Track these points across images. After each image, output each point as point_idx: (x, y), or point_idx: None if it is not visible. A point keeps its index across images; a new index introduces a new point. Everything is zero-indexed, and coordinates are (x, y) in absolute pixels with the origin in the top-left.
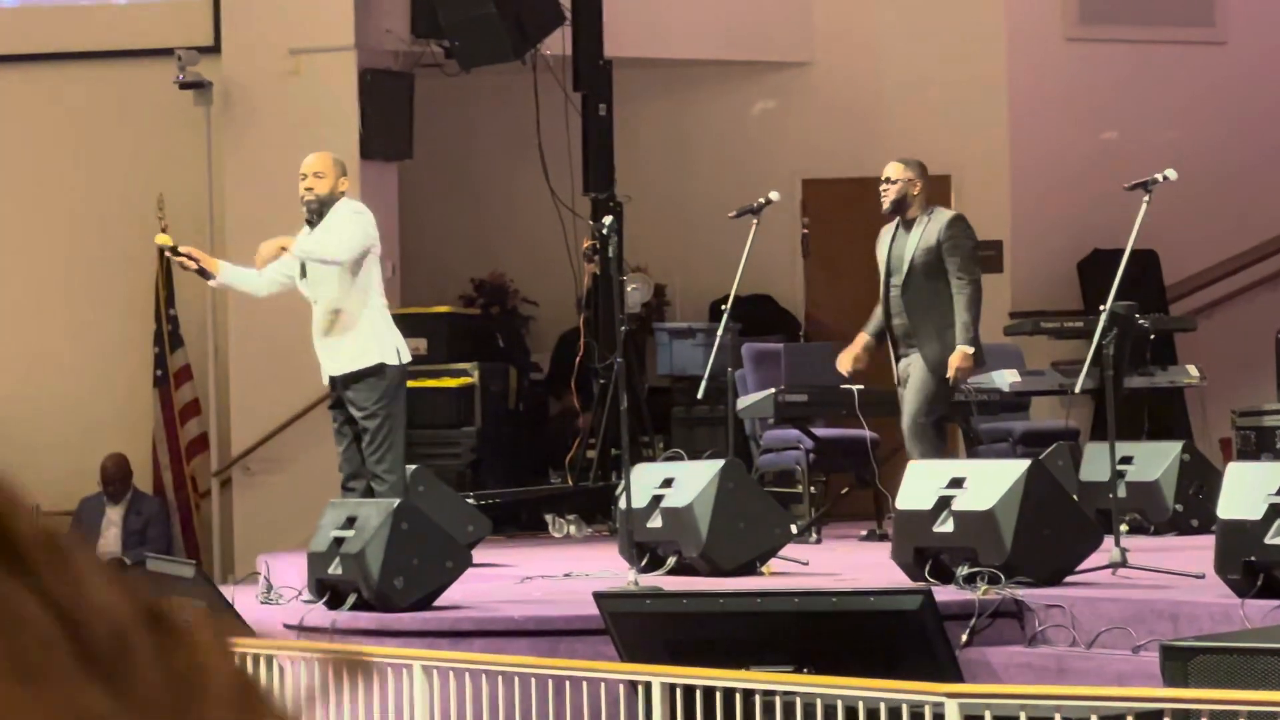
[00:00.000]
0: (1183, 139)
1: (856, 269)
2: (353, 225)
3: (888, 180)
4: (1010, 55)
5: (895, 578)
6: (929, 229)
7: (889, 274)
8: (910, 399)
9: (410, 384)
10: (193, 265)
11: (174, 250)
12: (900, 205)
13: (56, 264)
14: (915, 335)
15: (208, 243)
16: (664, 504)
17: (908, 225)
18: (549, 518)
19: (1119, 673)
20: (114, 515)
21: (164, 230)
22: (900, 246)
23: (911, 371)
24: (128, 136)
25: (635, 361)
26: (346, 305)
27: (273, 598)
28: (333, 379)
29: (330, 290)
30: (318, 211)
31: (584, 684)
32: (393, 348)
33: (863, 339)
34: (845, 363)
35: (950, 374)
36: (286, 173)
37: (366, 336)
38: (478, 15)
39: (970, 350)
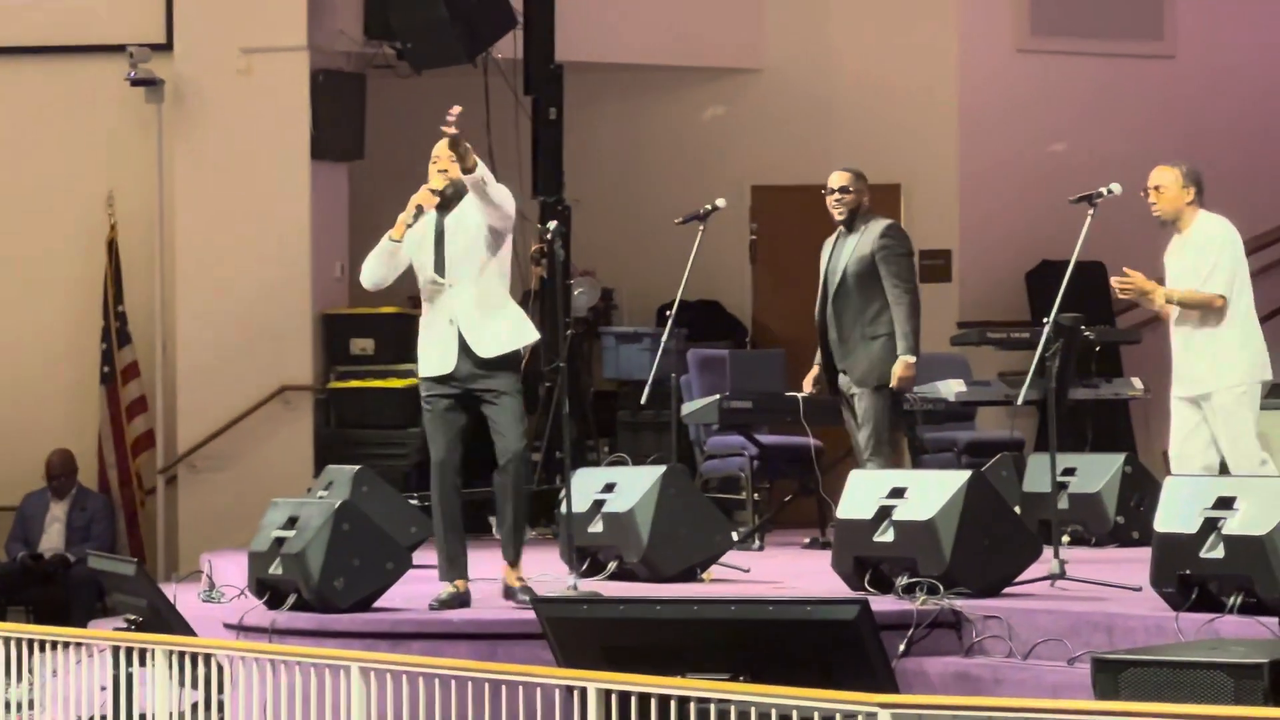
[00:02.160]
0: (1132, 151)
1: (804, 276)
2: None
3: (842, 190)
4: (961, 65)
5: (836, 586)
6: (864, 238)
7: (825, 284)
8: (860, 430)
9: (356, 384)
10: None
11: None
12: (854, 215)
13: (4, 260)
14: (845, 344)
15: (157, 240)
16: (605, 509)
17: (847, 235)
18: (492, 520)
19: (1054, 684)
20: (58, 511)
21: None
22: (837, 257)
23: (854, 395)
24: (78, 133)
25: (581, 365)
26: (494, 284)
27: (214, 596)
28: (460, 365)
29: (475, 269)
30: (453, 195)
31: (520, 688)
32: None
33: (814, 371)
34: (807, 384)
35: (893, 383)
36: (237, 171)
37: (517, 317)
38: (430, 18)
39: (912, 360)
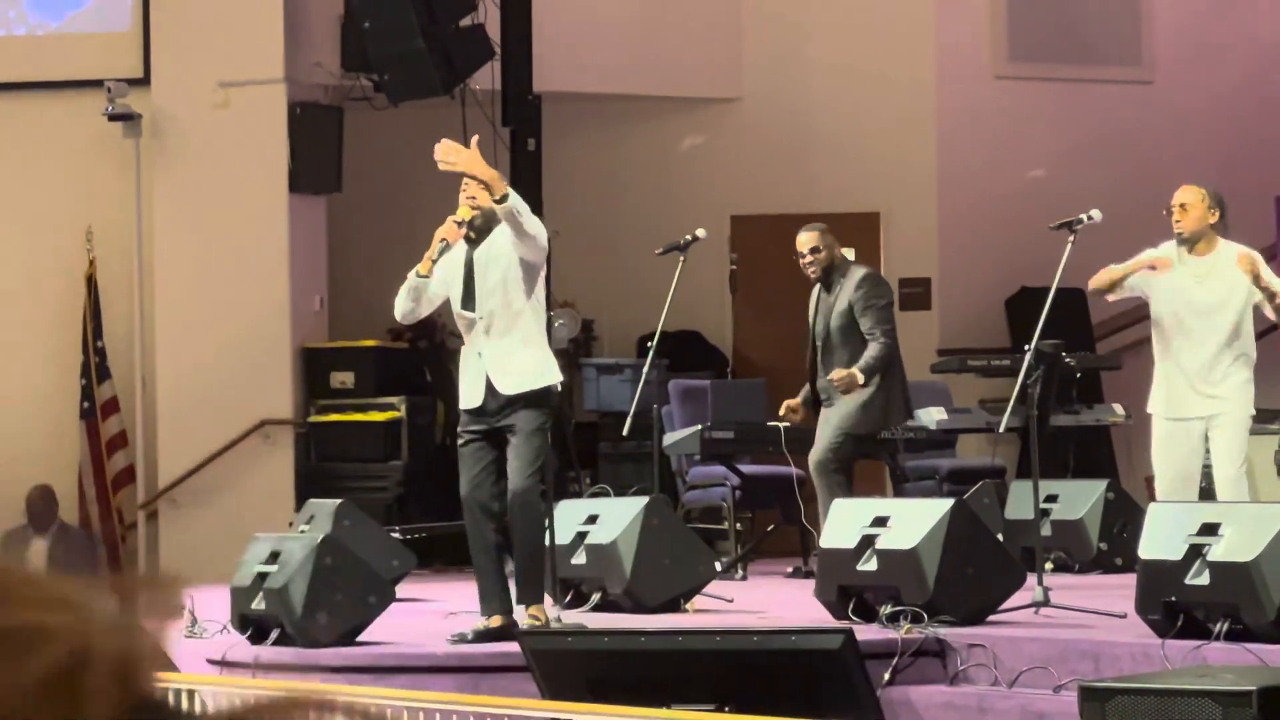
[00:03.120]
0: (1110, 177)
1: (784, 306)
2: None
3: (813, 251)
4: (939, 93)
5: (820, 616)
6: (842, 293)
7: (813, 336)
8: (820, 438)
9: (336, 418)
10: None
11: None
12: (829, 272)
13: None
14: (833, 396)
15: (136, 274)
16: (588, 540)
17: (828, 288)
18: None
19: (1040, 712)
20: (39, 547)
21: None
22: (821, 314)
23: (828, 415)
24: (56, 168)
25: (562, 397)
26: (525, 319)
27: (196, 632)
28: (488, 400)
29: (505, 303)
30: (484, 226)
31: None
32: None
33: (801, 397)
34: (784, 407)
35: (835, 378)
36: (215, 204)
37: (544, 356)
38: (407, 50)
39: (861, 377)
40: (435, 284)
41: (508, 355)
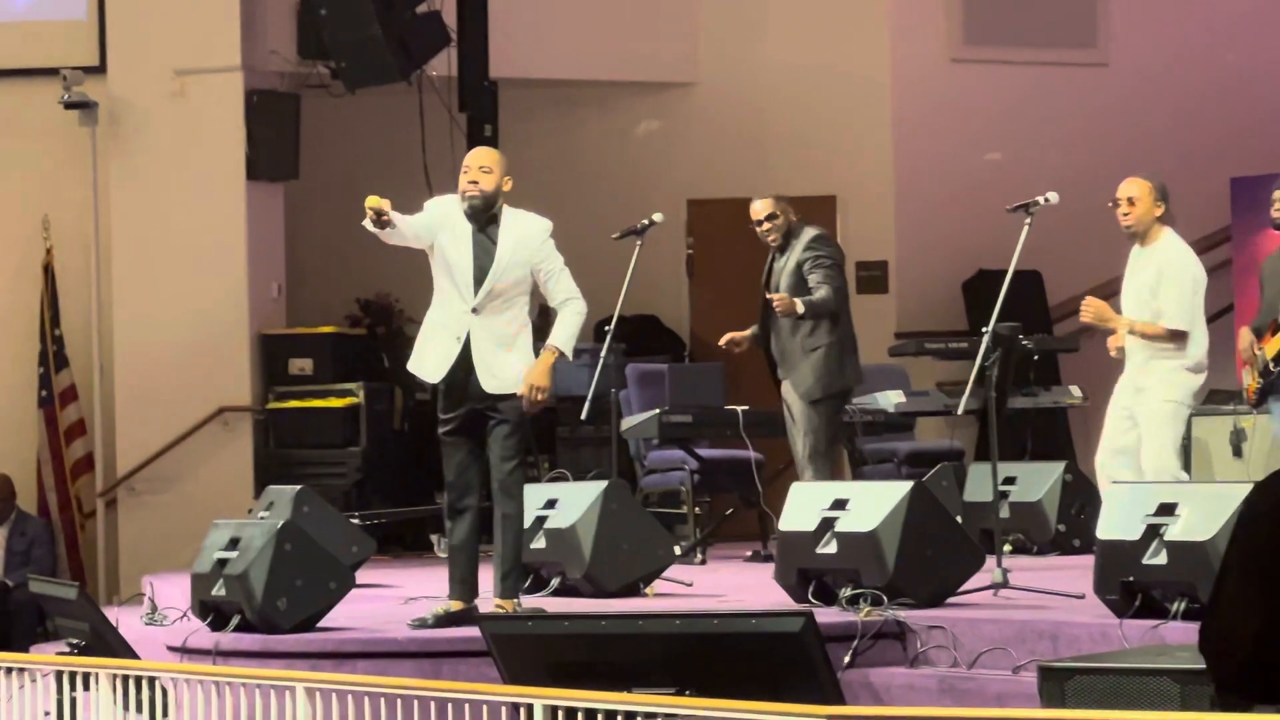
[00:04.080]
0: (1066, 160)
1: (742, 289)
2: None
3: (769, 218)
4: (895, 76)
5: (779, 599)
6: (793, 254)
7: (764, 300)
8: (799, 438)
9: (295, 404)
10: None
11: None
12: (787, 238)
13: None
14: (785, 358)
15: (93, 263)
16: (547, 525)
17: (782, 252)
18: (434, 538)
19: (999, 693)
20: None
21: None
22: (775, 275)
23: (791, 405)
24: (12, 156)
25: None
26: (520, 324)
27: (157, 619)
28: (456, 372)
29: (509, 302)
30: (482, 209)
31: (466, 706)
32: None
33: (750, 331)
34: (725, 338)
35: (775, 298)
36: (173, 192)
37: (531, 358)
38: (363, 36)
39: (801, 306)
40: (419, 229)
41: (496, 357)
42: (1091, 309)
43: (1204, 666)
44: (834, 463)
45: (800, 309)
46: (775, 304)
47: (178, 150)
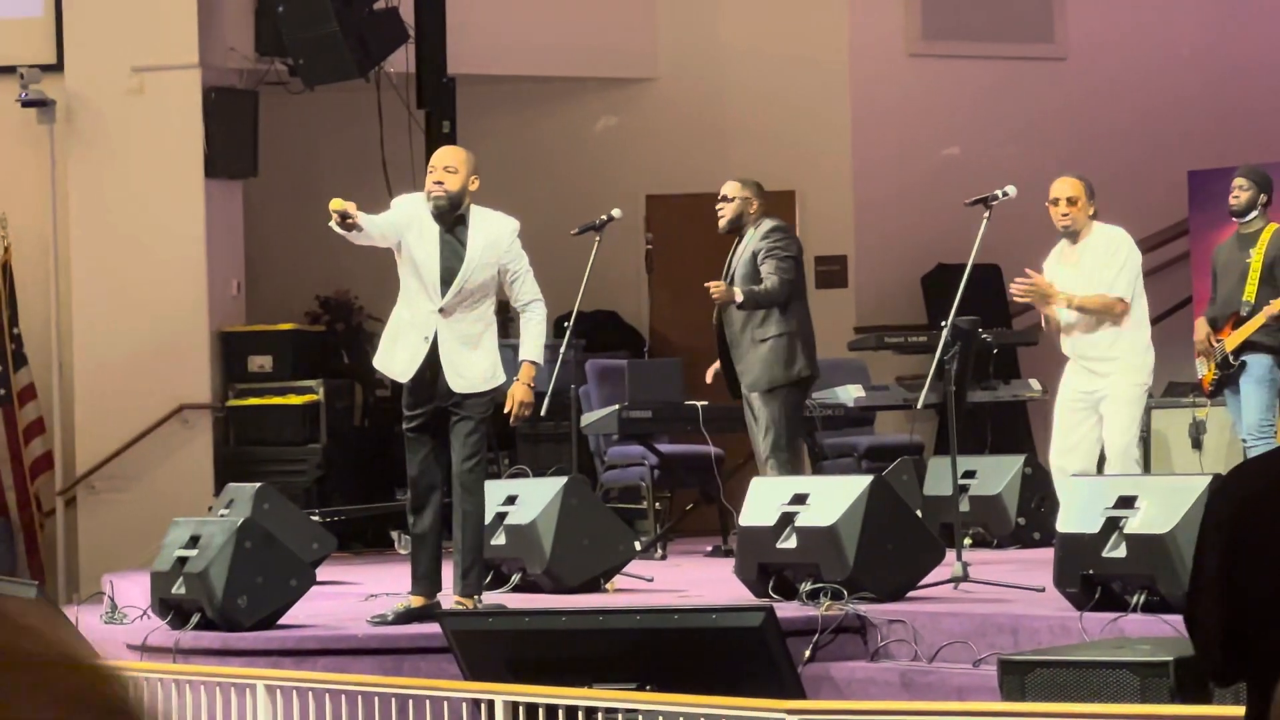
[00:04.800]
0: (1024, 154)
1: (700, 285)
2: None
3: (724, 199)
4: (853, 71)
5: (740, 594)
6: (750, 242)
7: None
8: (760, 433)
9: (255, 401)
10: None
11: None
12: (736, 223)
13: None
14: (737, 348)
15: (52, 261)
16: (508, 521)
17: (739, 243)
18: (395, 534)
19: (960, 686)
20: None
21: None
22: (731, 263)
23: (749, 400)
24: None
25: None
26: (486, 323)
27: (117, 618)
28: (424, 371)
29: (475, 301)
30: (448, 209)
31: (427, 702)
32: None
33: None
34: (709, 375)
35: (714, 291)
36: (131, 190)
37: (496, 356)
38: (321, 33)
39: (738, 295)
40: (384, 228)
41: (463, 356)
42: (1029, 284)
43: (1164, 659)
44: (796, 457)
45: (739, 297)
46: (711, 291)
47: (136, 148)
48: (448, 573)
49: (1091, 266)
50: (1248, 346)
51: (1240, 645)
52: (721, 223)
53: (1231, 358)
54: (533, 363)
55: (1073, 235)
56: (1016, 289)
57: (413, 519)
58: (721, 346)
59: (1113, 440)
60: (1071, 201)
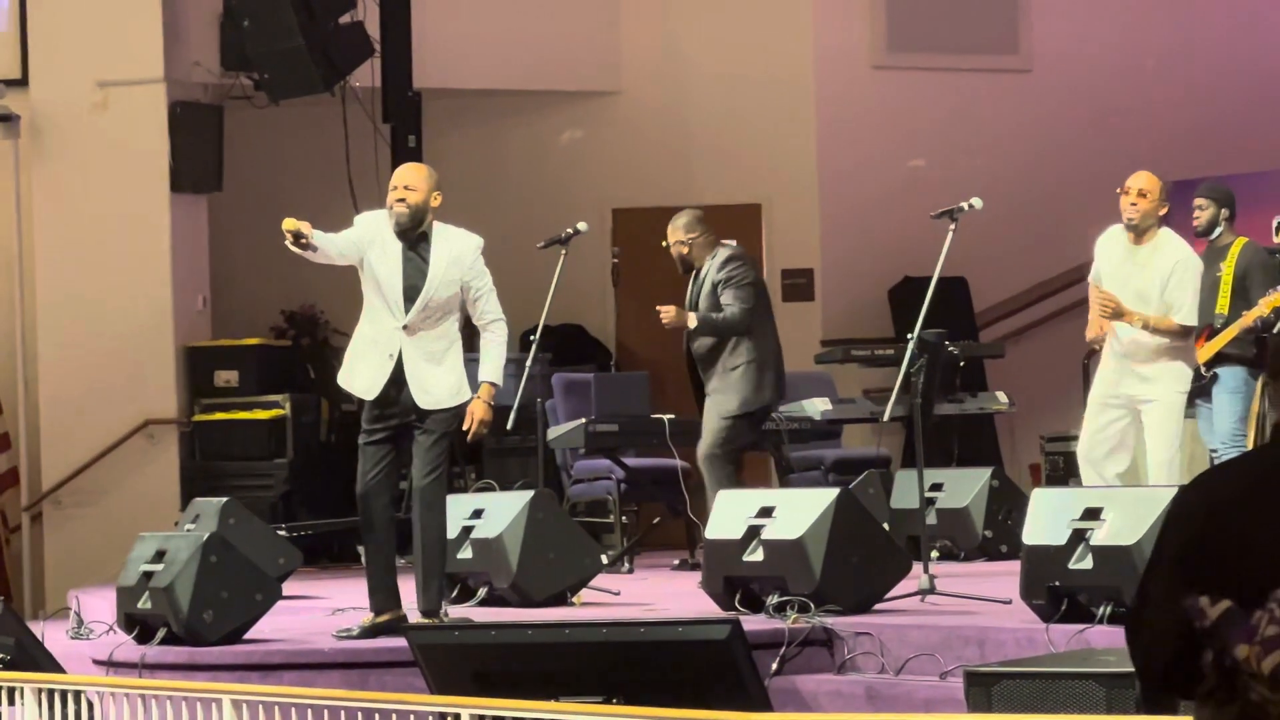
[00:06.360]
0: (990, 166)
1: (667, 299)
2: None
3: (677, 243)
4: (818, 83)
5: (706, 607)
6: (709, 274)
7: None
8: (705, 431)
9: (221, 416)
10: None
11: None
12: (687, 264)
13: None
14: (707, 378)
15: (17, 276)
16: (474, 535)
17: (696, 274)
18: (360, 549)
19: (927, 699)
20: None
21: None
22: (692, 295)
23: (708, 407)
24: None
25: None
26: (450, 340)
27: (83, 633)
28: (389, 390)
29: (433, 321)
30: (410, 227)
31: (394, 716)
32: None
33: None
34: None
35: (665, 316)
36: (96, 204)
37: (461, 372)
38: (286, 48)
39: (692, 320)
40: (343, 246)
41: (428, 372)
42: (1112, 303)
43: (1130, 670)
44: (732, 469)
45: (692, 322)
46: (662, 316)
47: (101, 162)
48: (407, 588)
49: (1162, 280)
50: (1221, 359)
51: (1190, 664)
52: (679, 265)
53: (1204, 369)
54: (491, 384)
55: (1136, 230)
56: (1099, 298)
57: (366, 533)
58: (690, 363)
59: (1157, 454)
60: (1142, 194)
